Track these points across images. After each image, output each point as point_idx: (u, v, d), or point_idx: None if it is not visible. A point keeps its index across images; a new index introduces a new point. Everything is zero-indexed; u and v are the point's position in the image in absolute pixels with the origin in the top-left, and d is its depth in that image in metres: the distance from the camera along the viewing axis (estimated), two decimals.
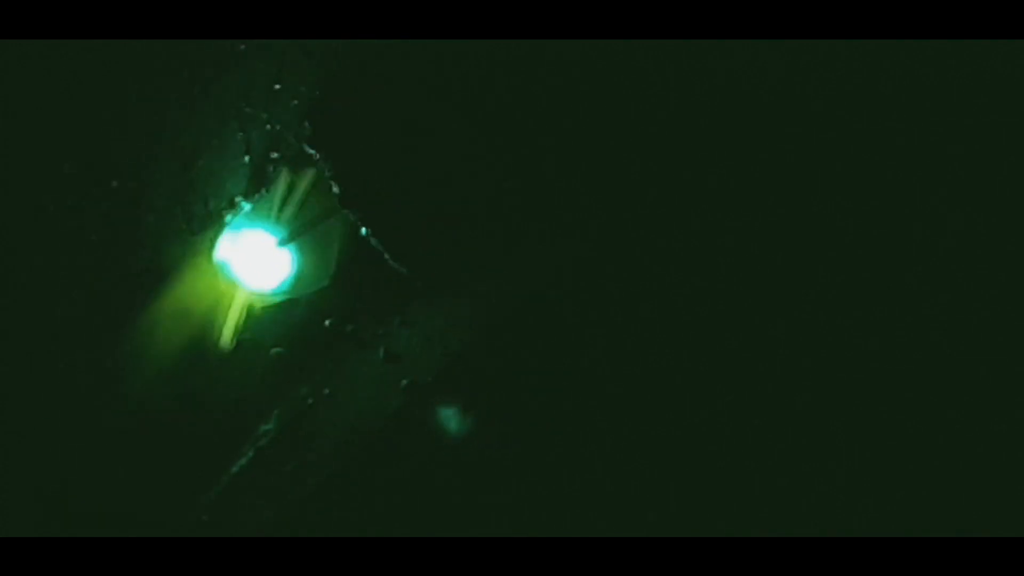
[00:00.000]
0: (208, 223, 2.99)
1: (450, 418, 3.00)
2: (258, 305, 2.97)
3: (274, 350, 2.98)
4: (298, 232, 2.96)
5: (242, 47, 3.00)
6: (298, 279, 2.97)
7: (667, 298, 2.99)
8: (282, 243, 2.95)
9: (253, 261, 2.95)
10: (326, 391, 2.99)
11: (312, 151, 2.99)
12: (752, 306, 2.98)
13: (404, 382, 3.00)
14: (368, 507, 2.93)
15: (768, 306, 2.99)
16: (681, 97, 2.97)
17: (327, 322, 2.99)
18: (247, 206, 3.00)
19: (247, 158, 3.02)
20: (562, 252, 3.02)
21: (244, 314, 2.95)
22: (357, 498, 2.93)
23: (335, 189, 2.97)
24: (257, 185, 2.99)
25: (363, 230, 2.98)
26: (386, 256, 2.97)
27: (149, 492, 2.88)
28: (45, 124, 2.89)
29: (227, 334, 2.92)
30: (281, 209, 2.98)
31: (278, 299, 2.98)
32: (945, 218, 2.95)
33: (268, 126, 3.01)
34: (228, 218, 3.00)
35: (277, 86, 3.01)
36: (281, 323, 2.98)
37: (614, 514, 2.92)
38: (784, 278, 2.99)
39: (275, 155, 3.00)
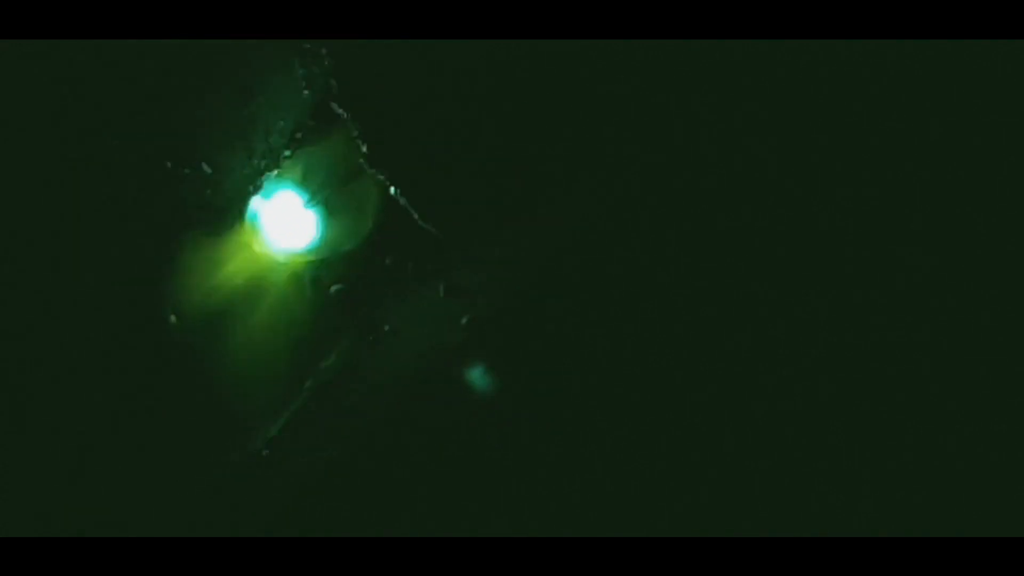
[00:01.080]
0: (270, 158, 3.04)
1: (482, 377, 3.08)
2: (289, 263, 3.04)
3: (334, 288, 3.05)
4: (327, 192, 3.01)
5: None
6: (326, 240, 3.03)
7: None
8: (309, 204, 3.00)
9: (283, 221, 3.01)
10: (386, 327, 3.06)
11: (340, 110, 3.03)
12: (761, 302, 3.02)
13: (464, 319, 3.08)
14: (429, 446, 2.99)
15: (772, 305, 2.98)
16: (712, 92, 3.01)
17: (387, 260, 3.05)
18: (287, 153, 3.05)
19: (306, 93, 3.03)
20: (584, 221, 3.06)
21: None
22: (417, 436, 3.00)
23: (363, 148, 3.02)
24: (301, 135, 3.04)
25: (392, 189, 3.03)
26: (415, 215, 3.03)
27: (213, 425, 2.98)
28: (113, 60, 2.90)
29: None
30: (310, 170, 3.03)
31: (307, 258, 3.05)
32: (951, 218, 2.89)
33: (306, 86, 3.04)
34: (287, 153, 3.04)
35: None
36: (342, 262, 3.04)
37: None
38: (787, 277, 2.97)
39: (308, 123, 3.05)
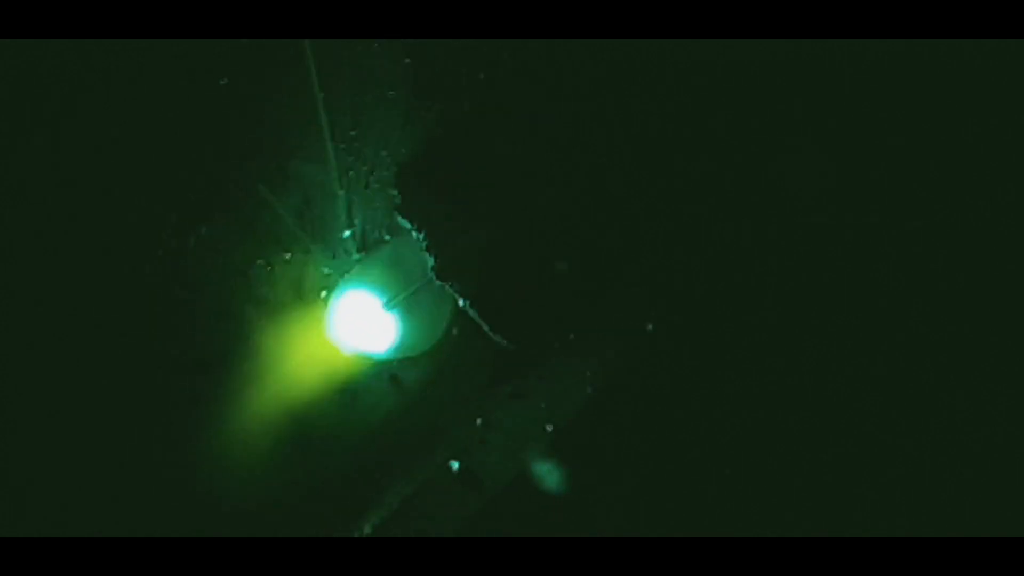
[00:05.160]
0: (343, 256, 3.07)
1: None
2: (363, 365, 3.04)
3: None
4: (404, 298, 2.99)
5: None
6: (404, 343, 3.02)
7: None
8: (388, 307, 2.98)
9: (361, 323, 3.00)
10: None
11: (407, 223, 3.03)
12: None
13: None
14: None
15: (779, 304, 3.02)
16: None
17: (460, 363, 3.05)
18: (357, 257, 3.07)
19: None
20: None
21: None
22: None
23: (431, 260, 3.05)
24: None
25: (460, 301, 3.02)
26: (485, 328, 3.03)
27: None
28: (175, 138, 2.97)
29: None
30: (386, 274, 3.06)
31: (383, 360, 3.05)
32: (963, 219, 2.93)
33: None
34: (357, 256, 3.07)
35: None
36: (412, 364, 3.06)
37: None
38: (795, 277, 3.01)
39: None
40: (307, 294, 3.05)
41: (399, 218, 3.05)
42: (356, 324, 2.98)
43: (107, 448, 2.87)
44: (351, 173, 3.05)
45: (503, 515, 2.98)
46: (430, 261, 2.98)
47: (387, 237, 3.08)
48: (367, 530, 2.95)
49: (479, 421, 3.04)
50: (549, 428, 3.01)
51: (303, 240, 3.03)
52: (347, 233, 3.05)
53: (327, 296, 3.05)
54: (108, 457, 2.88)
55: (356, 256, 3.08)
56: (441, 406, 3.06)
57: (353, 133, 3.04)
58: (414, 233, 3.00)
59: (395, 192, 3.06)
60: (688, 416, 3.03)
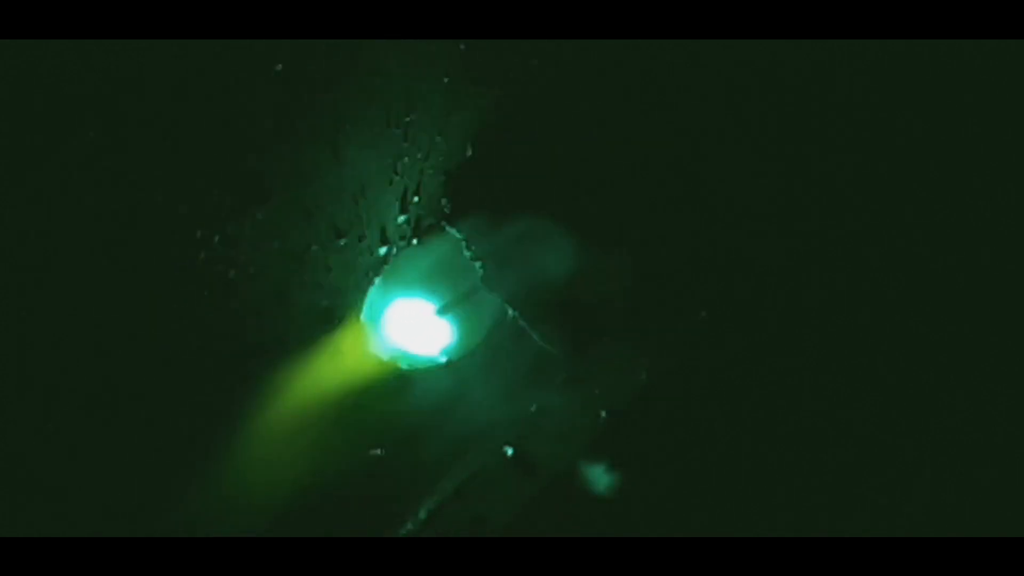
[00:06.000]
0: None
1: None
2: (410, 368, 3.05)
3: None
4: (454, 302, 3.05)
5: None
6: (454, 345, 3.07)
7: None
8: (441, 312, 3.03)
9: (414, 327, 3.06)
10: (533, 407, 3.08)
11: (454, 231, 3.07)
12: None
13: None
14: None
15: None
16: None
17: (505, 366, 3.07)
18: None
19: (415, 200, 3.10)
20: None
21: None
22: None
23: (479, 267, 3.05)
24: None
25: (509, 311, 3.05)
26: (533, 335, 3.05)
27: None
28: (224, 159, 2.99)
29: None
30: (435, 272, 3.08)
31: (432, 364, 3.08)
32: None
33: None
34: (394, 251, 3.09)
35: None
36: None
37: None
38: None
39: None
40: (361, 280, 3.06)
41: (446, 226, 3.06)
42: (408, 332, 3.03)
43: (167, 430, 2.89)
44: (405, 159, 3.06)
45: (558, 500, 2.99)
46: (479, 265, 2.99)
47: (441, 224, 3.09)
48: (422, 514, 2.95)
49: (533, 407, 3.04)
50: (603, 414, 3.01)
51: (358, 225, 3.03)
52: (402, 218, 3.05)
53: (379, 281, 3.06)
54: (168, 437, 2.90)
55: (405, 245, 3.08)
56: (495, 393, 3.06)
57: (408, 119, 3.05)
58: (461, 235, 3.01)
59: (444, 178, 3.06)
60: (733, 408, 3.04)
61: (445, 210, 3.09)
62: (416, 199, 3.06)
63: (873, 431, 2.94)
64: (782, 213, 3.02)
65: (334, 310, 3.03)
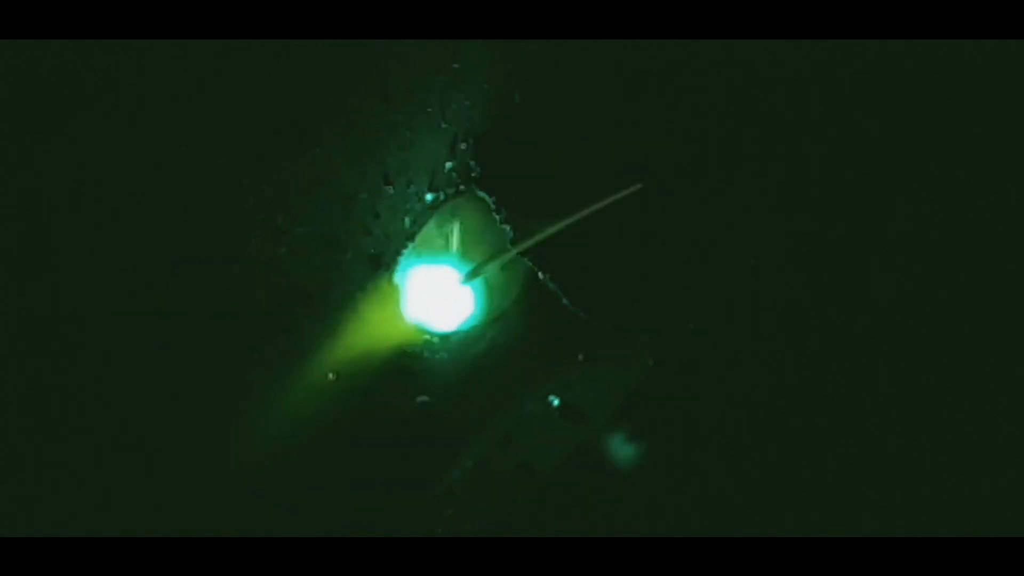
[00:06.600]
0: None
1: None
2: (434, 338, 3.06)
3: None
4: (478, 271, 3.02)
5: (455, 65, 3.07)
6: (477, 316, 3.06)
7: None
8: (465, 281, 3.02)
9: (435, 298, 3.05)
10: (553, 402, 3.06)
11: (483, 194, 3.04)
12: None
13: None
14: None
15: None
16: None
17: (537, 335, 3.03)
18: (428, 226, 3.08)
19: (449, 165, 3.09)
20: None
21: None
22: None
23: (508, 231, 3.02)
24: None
25: (539, 274, 3.02)
26: (563, 299, 3.01)
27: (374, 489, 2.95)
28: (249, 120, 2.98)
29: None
30: (459, 246, 3.05)
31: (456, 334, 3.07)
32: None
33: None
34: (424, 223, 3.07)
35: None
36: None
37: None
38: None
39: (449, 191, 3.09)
40: (407, 228, 3.06)
41: (475, 190, 3.04)
42: (434, 301, 3.03)
43: (210, 381, 2.92)
44: (453, 106, 3.05)
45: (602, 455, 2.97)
46: (508, 230, 2.98)
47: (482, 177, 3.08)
48: (469, 463, 2.94)
49: (580, 356, 3.02)
50: (651, 362, 2.98)
51: (405, 172, 3.03)
52: (449, 164, 3.04)
53: (418, 235, 3.06)
54: (212, 388, 2.92)
55: (453, 192, 3.05)
56: (541, 343, 3.04)
57: (456, 66, 3.04)
58: (492, 201, 2.99)
59: (492, 125, 3.04)
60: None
61: (487, 162, 3.07)
62: (464, 145, 3.04)
63: (873, 431, 2.94)
64: (782, 212, 3.01)
65: (381, 257, 3.03)
